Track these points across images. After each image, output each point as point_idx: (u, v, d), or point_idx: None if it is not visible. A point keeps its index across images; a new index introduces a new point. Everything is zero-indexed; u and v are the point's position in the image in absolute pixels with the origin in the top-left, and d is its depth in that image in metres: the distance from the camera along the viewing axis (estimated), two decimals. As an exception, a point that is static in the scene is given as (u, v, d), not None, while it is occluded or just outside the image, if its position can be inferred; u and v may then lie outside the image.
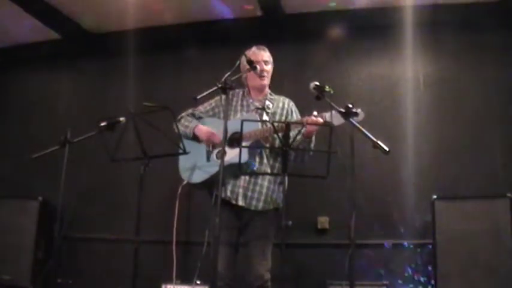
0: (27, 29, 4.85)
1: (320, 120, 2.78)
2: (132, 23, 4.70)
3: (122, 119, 3.05)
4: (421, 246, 3.86)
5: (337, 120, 2.71)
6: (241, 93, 3.18)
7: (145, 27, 4.76)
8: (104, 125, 3.02)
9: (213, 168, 2.97)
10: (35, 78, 5.29)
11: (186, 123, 3.13)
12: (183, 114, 3.20)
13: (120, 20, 4.67)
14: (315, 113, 2.81)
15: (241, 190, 2.93)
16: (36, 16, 4.63)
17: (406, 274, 3.85)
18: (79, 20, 4.79)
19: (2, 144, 5.16)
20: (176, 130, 3.02)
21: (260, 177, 2.97)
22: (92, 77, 5.12)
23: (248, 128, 2.85)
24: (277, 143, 2.78)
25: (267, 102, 3.12)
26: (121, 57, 4.72)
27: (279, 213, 2.94)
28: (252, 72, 3.00)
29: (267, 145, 2.95)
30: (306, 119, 2.83)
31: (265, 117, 3.04)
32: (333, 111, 2.71)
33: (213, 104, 3.16)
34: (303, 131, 2.90)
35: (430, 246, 3.69)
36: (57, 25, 4.84)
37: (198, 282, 3.59)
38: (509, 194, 3.52)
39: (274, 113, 3.10)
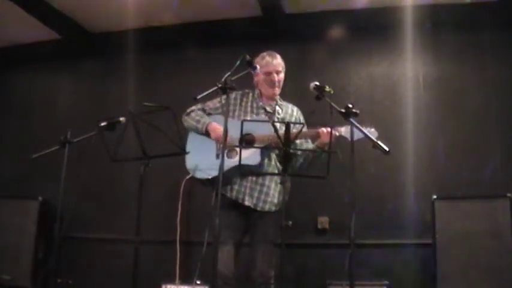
0: (27, 29, 4.85)
1: (336, 133, 2.79)
2: (132, 23, 4.70)
3: (122, 119, 3.04)
4: (421, 246, 3.86)
5: (354, 135, 2.69)
6: (251, 94, 3.19)
7: (145, 27, 4.76)
8: (104, 125, 3.02)
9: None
10: (35, 78, 5.28)
11: (197, 118, 3.12)
12: (193, 107, 3.19)
13: (120, 20, 4.67)
14: (329, 127, 2.82)
15: (247, 190, 2.95)
16: (36, 16, 4.63)
17: (405, 274, 3.84)
18: (79, 20, 4.79)
19: (2, 144, 5.16)
20: (185, 124, 3.07)
21: (267, 178, 2.98)
22: (92, 77, 5.11)
23: (263, 131, 2.86)
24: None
25: (277, 108, 3.16)
26: (121, 57, 4.72)
27: (279, 213, 2.95)
28: (263, 78, 3.08)
29: (277, 150, 2.97)
30: (321, 130, 2.86)
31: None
32: (345, 128, 2.72)
33: (223, 102, 3.15)
34: (316, 143, 2.94)
35: (430, 246, 3.69)
36: (57, 25, 4.83)
37: (198, 282, 3.59)
38: (509, 194, 3.52)
39: (283, 119, 3.11)
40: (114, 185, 4.55)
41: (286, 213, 2.63)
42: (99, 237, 4.49)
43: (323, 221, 4.14)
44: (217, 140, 3.02)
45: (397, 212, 3.96)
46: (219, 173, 2.59)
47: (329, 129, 2.80)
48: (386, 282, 3.65)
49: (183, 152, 2.81)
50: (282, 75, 3.17)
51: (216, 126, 3.04)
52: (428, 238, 3.73)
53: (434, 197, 3.69)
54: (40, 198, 4.43)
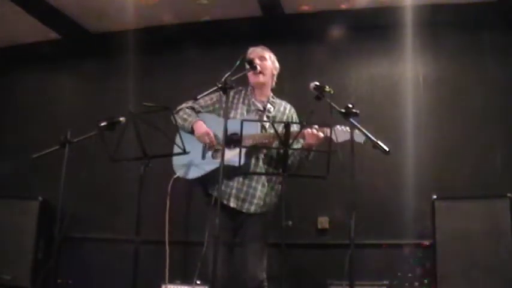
0: (27, 29, 4.85)
1: (320, 135, 2.77)
2: (132, 23, 4.71)
3: (122, 119, 3.04)
4: (421, 246, 3.86)
5: (340, 136, 2.69)
6: (243, 91, 3.17)
7: (145, 27, 4.76)
8: (104, 125, 3.01)
9: (207, 166, 2.96)
10: (35, 78, 5.29)
11: (185, 116, 3.08)
12: (182, 106, 3.15)
13: (120, 20, 4.67)
14: (316, 126, 2.80)
15: (233, 191, 2.92)
16: (36, 16, 4.63)
17: (405, 274, 3.84)
18: (79, 20, 4.79)
19: (2, 144, 5.16)
20: (174, 122, 3.02)
21: (254, 180, 2.94)
22: (92, 77, 5.12)
23: (248, 131, 2.83)
24: (275, 144, 2.78)
25: (269, 105, 3.11)
26: (121, 57, 4.72)
27: (278, 213, 2.93)
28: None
29: (264, 150, 2.95)
30: (307, 131, 2.81)
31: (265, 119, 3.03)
32: (336, 127, 2.71)
33: (214, 99, 3.13)
34: (301, 141, 2.90)
35: (430, 246, 3.69)
36: (57, 25, 4.84)
37: (198, 282, 3.58)
38: (509, 194, 3.52)
39: (274, 117, 3.08)
40: (114, 185, 4.54)
41: (286, 213, 2.63)
42: (99, 237, 4.49)
43: (323, 221, 4.13)
44: (199, 139, 3.00)
45: (397, 212, 3.96)
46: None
47: (314, 131, 2.78)
48: (386, 282, 3.65)
49: (183, 152, 2.80)
50: (266, 63, 3.12)
51: (201, 125, 3.01)
52: (428, 238, 3.73)
53: (434, 197, 3.69)
54: (40, 198, 4.43)
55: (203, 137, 2.98)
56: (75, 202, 4.20)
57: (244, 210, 2.91)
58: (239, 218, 2.95)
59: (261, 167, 2.97)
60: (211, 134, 2.96)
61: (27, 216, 4.41)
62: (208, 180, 2.96)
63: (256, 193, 2.93)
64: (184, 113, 3.10)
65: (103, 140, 2.87)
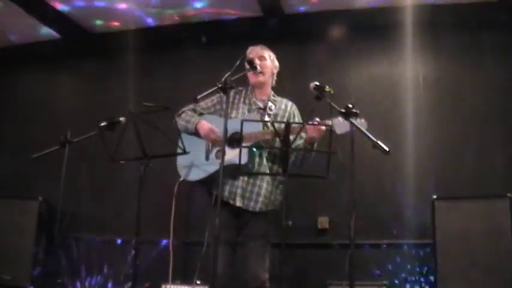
0: (27, 29, 4.85)
1: (322, 127, 2.78)
2: (132, 23, 4.71)
3: (122, 119, 3.04)
4: (421, 246, 3.86)
5: (340, 128, 2.70)
6: (244, 91, 3.17)
7: (145, 27, 4.77)
8: (104, 125, 3.01)
9: (211, 167, 2.96)
10: (35, 78, 5.29)
11: (187, 118, 3.09)
12: (184, 108, 3.16)
13: (120, 20, 4.68)
14: (317, 119, 2.80)
15: (239, 190, 2.91)
16: (36, 16, 4.63)
17: (405, 274, 3.85)
18: (79, 20, 4.79)
19: (2, 144, 5.16)
20: (177, 125, 3.02)
21: (259, 178, 2.94)
22: (92, 77, 5.12)
23: (249, 129, 2.82)
24: (277, 143, 2.78)
25: (270, 104, 3.12)
26: (121, 57, 4.73)
27: (279, 213, 2.93)
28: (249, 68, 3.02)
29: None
30: (308, 125, 2.81)
31: (266, 118, 3.03)
32: (336, 119, 2.71)
33: (215, 101, 3.12)
34: (303, 135, 2.90)
35: (430, 246, 3.70)
36: (57, 25, 4.84)
37: (198, 282, 3.59)
38: (509, 194, 3.52)
39: (275, 115, 3.08)
40: (114, 185, 4.55)
41: (287, 213, 2.63)
42: (99, 237, 4.49)
43: (323, 221, 4.14)
44: (205, 137, 3.00)
45: (397, 212, 3.96)
46: (217, 172, 2.58)
47: (316, 124, 2.77)
48: (386, 282, 3.65)
49: (183, 152, 2.80)
50: (266, 63, 3.12)
51: (205, 124, 3.01)
52: (428, 238, 3.73)
53: (434, 197, 3.69)
54: (40, 198, 4.43)
55: (208, 135, 2.99)
56: (75, 202, 4.23)
57: (250, 209, 2.91)
58: (244, 217, 2.95)
59: (265, 165, 2.97)
60: (216, 130, 2.96)
61: (27, 216, 4.40)
62: (212, 180, 2.96)
63: (261, 191, 2.93)
64: (186, 115, 3.12)
65: (103, 140, 2.87)
